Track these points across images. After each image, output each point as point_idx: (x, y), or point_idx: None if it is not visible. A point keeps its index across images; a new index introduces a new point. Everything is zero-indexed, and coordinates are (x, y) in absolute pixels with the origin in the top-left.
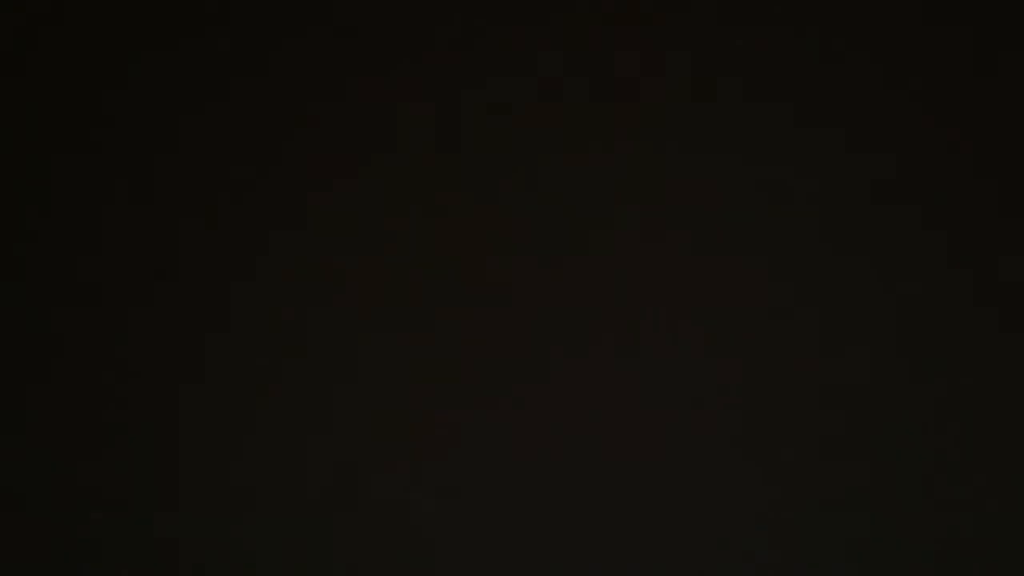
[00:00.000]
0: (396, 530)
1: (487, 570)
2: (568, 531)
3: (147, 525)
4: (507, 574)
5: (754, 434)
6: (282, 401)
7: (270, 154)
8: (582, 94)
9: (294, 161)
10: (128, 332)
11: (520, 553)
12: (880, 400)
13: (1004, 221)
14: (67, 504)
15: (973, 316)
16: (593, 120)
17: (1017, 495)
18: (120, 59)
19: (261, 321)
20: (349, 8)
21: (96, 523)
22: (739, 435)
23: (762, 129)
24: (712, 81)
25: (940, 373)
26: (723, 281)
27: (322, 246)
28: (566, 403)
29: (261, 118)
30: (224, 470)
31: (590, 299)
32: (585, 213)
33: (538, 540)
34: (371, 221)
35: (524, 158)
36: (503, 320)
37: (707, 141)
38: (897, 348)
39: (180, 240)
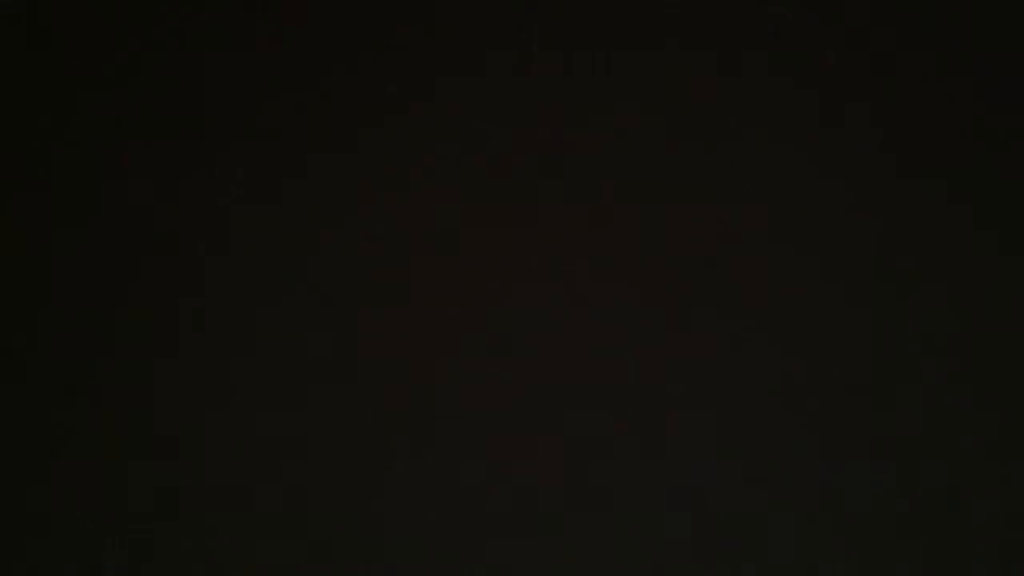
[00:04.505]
0: (396, 530)
1: (488, 571)
2: (570, 533)
3: (148, 531)
4: (507, 574)
5: (755, 434)
6: (282, 399)
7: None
8: (585, 99)
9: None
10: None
11: (524, 556)
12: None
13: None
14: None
15: (987, 322)
16: (597, 122)
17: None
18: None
19: (261, 322)
20: (350, 9)
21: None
22: (739, 434)
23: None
24: (714, 86)
25: (940, 367)
26: (720, 283)
27: (323, 244)
28: (565, 406)
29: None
30: (224, 470)
31: (592, 300)
32: (585, 215)
33: (543, 545)
34: (373, 219)
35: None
36: (504, 321)
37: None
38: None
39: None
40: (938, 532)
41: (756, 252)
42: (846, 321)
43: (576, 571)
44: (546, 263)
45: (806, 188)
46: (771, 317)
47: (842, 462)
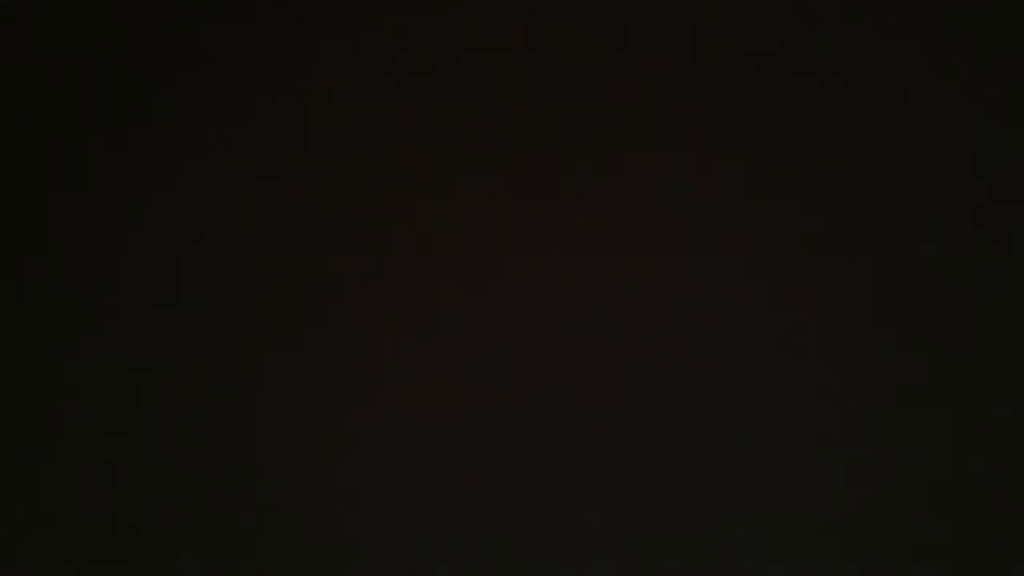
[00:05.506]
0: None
1: (489, 572)
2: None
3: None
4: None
5: (754, 433)
6: (288, 403)
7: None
8: (585, 96)
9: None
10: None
11: (526, 558)
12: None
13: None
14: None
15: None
16: (599, 123)
17: (1014, 496)
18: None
19: (264, 320)
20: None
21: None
22: (736, 433)
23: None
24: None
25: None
26: (718, 282)
27: (325, 244)
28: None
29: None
30: (233, 468)
31: (589, 301)
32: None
33: (541, 549)
34: (373, 217)
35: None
36: (504, 319)
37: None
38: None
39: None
40: (940, 533)
41: (759, 247)
42: (843, 318)
43: (576, 569)
44: (543, 252)
45: (805, 184)
46: (771, 314)
47: (842, 461)
